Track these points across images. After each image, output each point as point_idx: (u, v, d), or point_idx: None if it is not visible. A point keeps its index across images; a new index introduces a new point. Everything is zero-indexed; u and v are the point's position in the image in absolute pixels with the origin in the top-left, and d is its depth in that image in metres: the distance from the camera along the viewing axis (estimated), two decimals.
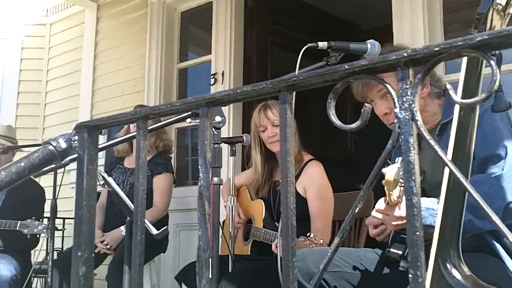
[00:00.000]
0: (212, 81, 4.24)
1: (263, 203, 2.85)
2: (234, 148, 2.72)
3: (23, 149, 3.78)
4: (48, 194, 3.63)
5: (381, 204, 1.72)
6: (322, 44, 1.69)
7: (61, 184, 3.17)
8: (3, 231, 3.43)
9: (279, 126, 3.00)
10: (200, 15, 4.77)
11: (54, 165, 1.08)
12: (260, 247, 2.79)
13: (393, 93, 0.70)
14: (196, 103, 0.85)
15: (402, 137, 0.67)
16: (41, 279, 4.43)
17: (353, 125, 0.74)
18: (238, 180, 3.00)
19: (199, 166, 0.84)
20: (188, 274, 2.75)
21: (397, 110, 0.68)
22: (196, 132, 4.97)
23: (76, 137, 1.03)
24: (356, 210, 0.75)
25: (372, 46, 1.73)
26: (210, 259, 1.41)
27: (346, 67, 0.71)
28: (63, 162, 1.09)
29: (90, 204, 1.01)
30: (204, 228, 0.84)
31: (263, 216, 2.82)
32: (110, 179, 2.58)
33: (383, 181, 1.50)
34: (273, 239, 2.61)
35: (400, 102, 0.68)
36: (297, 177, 2.80)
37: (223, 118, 1.44)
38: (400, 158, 1.61)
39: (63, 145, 1.03)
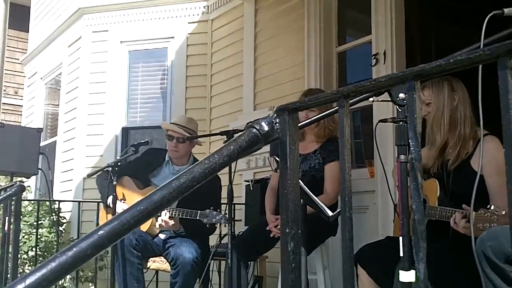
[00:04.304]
0: (374, 61, 4.17)
1: (437, 182, 2.76)
2: None
3: (199, 139, 4.03)
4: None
5: None
6: (508, 11, 1.57)
7: (235, 171, 3.33)
8: (184, 219, 3.68)
9: (429, 105, 2.91)
10: None
11: (256, 147, 1.14)
12: (435, 227, 2.71)
13: None
14: (402, 77, 0.85)
15: None
16: (216, 261, 4.68)
17: None
18: None
19: (409, 140, 0.84)
20: (363, 255, 2.75)
21: None
22: (355, 115, 4.93)
23: (278, 120, 1.07)
24: None
25: None
26: (401, 237, 1.40)
27: None
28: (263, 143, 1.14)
29: (294, 183, 1.05)
30: (418, 202, 0.84)
31: (438, 195, 2.73)
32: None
33: None
34: (449, 216, 2.53)
35: None
36: (471, 154, 2.68)
37: (406, 94, 1.40)
38: None
39: (266, 128, 1.08)
